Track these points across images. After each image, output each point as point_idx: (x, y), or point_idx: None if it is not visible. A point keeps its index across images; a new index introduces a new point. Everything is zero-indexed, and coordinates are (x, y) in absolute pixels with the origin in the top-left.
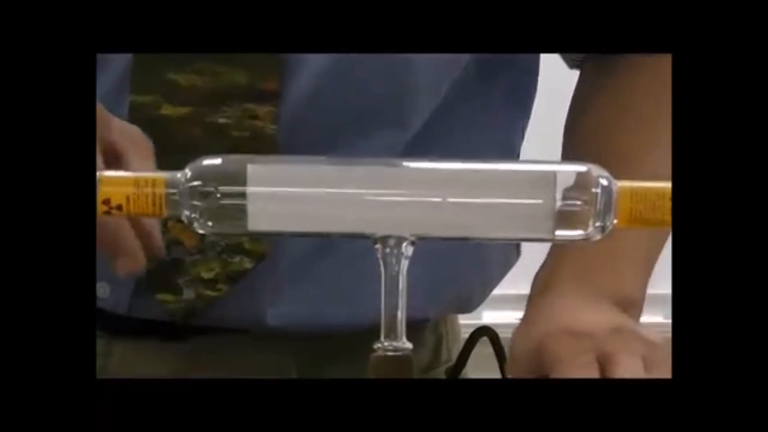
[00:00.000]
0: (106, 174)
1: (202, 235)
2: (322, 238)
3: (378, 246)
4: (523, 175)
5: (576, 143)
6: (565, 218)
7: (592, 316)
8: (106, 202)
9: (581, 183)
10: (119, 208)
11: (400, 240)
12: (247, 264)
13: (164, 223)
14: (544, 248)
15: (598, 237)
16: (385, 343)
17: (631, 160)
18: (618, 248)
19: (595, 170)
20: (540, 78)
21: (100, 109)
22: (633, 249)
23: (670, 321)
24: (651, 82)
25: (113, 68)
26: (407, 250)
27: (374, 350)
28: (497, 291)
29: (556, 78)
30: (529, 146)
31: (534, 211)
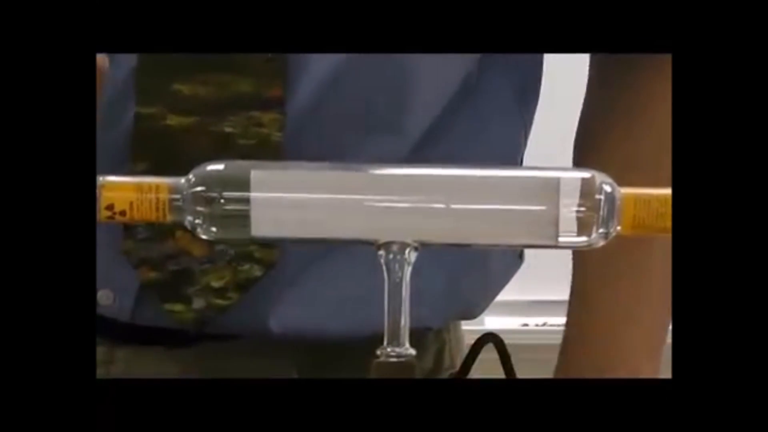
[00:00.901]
0: (109, 179)
1: (211, 245)
2: (325, 245)
3: (381, 252)
4: (527, 182)
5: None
6: (568, 224)
7: None
8: (110, 207)
9: (585, 189)
10: (122, 213)
11: (403, 246)
12: (257, 272)
13: (172, 234)
14: (547, 254)
15: (601, 243)
16: (388, 349)
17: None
18: (629, 342)
19: (599, 177)
20: (542, 82)
21: None
22: (644, 340)
23: None
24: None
25: (116, 78)
26: (410, 256)
27: (377, 356)
28: (500, 297)
29: (558, 82)
30: (531, 152)
31: (537, 217)
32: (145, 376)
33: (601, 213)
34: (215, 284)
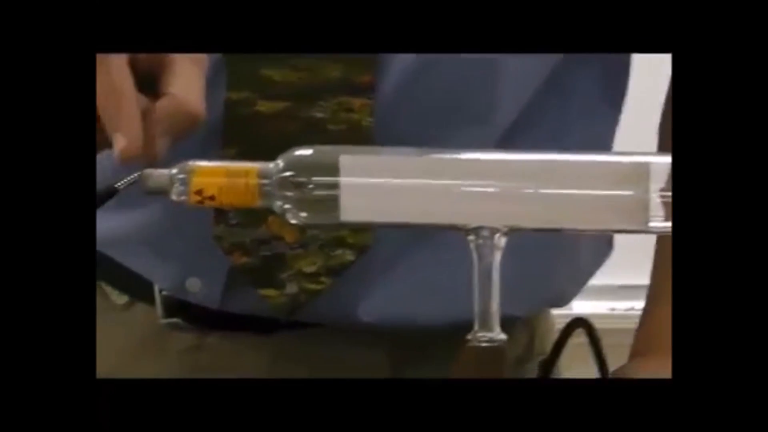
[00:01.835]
0: (199, 164)
1: (303, 230)
2: (415, 231)
3: (471, 237)
4: (617, 167)
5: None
6: (658, 209)
7: None
8: (199, 192)
9: None
10: (212, 198)
11: (493, 231)
12: (349, 256)
13: (264, 219)
14: (635, 239)
15: None
16: (479, 334)
17: None
18: None
19: None
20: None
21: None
22: None
23: None
24: None
25: (206, 65)
26: (500, 241)
27: (467, 341)
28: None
29: (648, 71)
30: (621, 138)
31: (627, 202)
32: (233, 362)
33: None
34: (307, 269)
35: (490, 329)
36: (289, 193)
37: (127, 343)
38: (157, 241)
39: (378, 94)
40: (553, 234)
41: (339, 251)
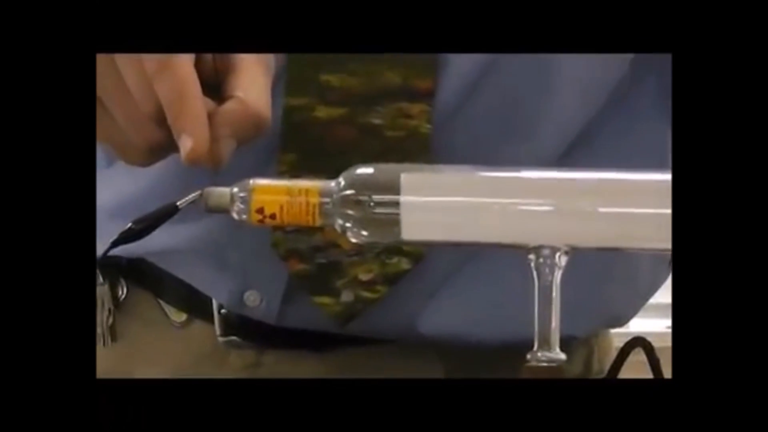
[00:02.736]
0: (259, 182)
1: None
2: (476, 248)
3: (532, 256)
4: None
5: None
6: None
7: None
8: (260, 210)
9: None
10: (273, 216)
11: (554, 250)
12: (405, 265)
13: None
14: None
15: None
16: (539, 354)
17: None
18: None
19: None
20: None
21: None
22: None
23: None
24: None
25: None
26: (561, 260)
27: (527, 360)
28: None
29: None
30: None
31: None
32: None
33: None
34: (363, 277)
35: (549, 349)
36: (350, 212)
37: (185, 360)
38: (214, 254)
39: (437, 101)
40: (613, 256)
41: (395, 259)
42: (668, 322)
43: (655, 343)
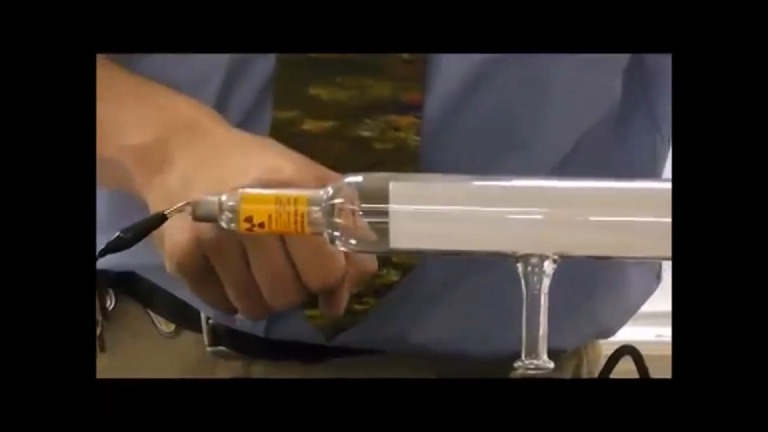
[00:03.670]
0: (247, 192)
1: None
2: (464, 258)
3: (519, 264)
4: (668, 194)
5: None
6: None
7: None
8: (248, 219)
9: None
10: (261, 225)
11: (542, 258)
12: (394, 276)
13: None
14: None
15: None
16: (526, 362)
17: None
18: None
19: None
20: None
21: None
22: None
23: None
24: None
25: (253, 83)
26: (549, 268)
27: (514, 369)
28: None
29: None
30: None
31: None
32: None
33: None
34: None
35: (537, 356)
36: (338, 221)
37: (173, 371)
38: None
39: (425, 113)
40: (601, 268)
41: (384, 271)
42: (657, 330)
43: (644, 352)
